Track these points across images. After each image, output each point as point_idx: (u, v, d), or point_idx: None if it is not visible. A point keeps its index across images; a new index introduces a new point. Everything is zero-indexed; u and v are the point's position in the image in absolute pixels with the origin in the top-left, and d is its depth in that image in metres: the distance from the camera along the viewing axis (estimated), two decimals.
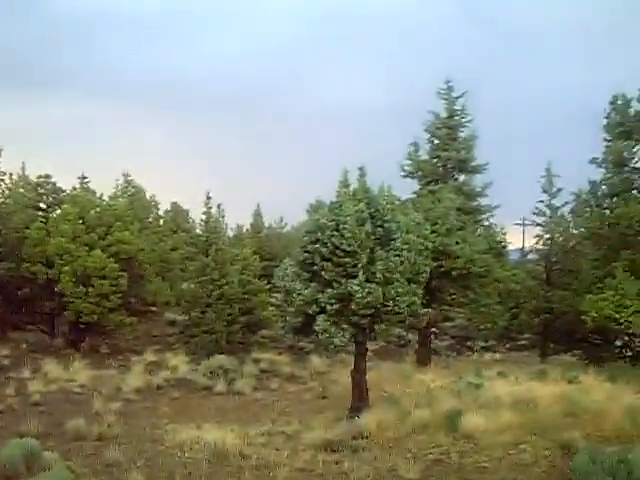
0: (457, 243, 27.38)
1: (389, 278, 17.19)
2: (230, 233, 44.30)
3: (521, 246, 41.52)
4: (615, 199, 28.30)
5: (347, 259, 17.10)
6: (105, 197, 36.21)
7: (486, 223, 32.09)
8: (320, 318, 17.18)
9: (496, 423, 14.80)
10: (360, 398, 18.52)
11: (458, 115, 31.39)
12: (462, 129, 31.50)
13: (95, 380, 23.66)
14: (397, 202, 20.70)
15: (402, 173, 30.96)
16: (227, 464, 13.42)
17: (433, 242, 23.96)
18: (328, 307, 17.14)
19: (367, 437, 15.17)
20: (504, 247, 32.53)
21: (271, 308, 32.62)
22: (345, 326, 17.33)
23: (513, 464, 13.02)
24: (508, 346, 39.98)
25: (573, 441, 13.65)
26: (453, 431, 14.64)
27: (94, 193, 35.30)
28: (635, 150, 27.73)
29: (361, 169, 19.08)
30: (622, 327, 23.89)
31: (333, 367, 26.79)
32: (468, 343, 42.01)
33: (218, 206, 31.85)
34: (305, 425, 17.20)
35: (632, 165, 27.85)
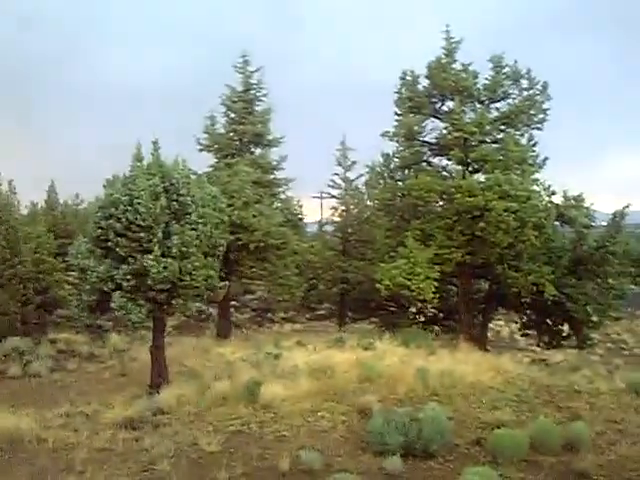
0: (254, 216, 27.47)
1: (185, 252, 16.99)
2: (24, 211, 42.14)
3: (319, 218, 42.33)
4: (407, 171, 29.31)
5: (142, 234, 16.76)
6: None
7: (283, 196, 32.37)
8: (116, 295, 16.80)
9: (295, 392, 14.98)
10: (160, 374, 18.31)
11: (254, 89, 31.37)
12: (258, 103, 31.53)
13: None
14: (193, 176, 20.38)
15: (199, 147, 30.62)
16: (22, 450, 12.81)
17: (230, 215, 23.94)
18: (124, 283, 16.80)
19: (167, 413, 14.92)
20: (301, 219, 32.99)
21: (68, 287, 31.45)
22: (142, 302, 17.04)
23: (312, 431, 13.24)
24: (308, 316, 40.81)
25: (369, 405, 14.09)
26: (253, 402, 14.65)
27: None
28: (424, 124, 28.74)
29: (155, 143, 18.65)
30: (414, 294, 24.81)
31: (133, 344, 26.19)
32: (269, 315, 42.48)
33: (9, 183, 30.15)
34: (104, 404, 16.67)
35: (421, 139, 28.85)
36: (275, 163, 31.68)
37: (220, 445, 12.38)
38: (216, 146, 30.63)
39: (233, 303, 35.61)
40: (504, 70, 28.01)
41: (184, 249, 16.99)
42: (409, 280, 24.49)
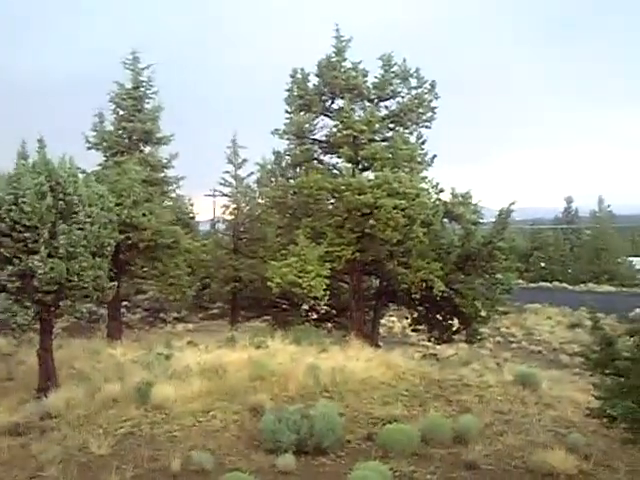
0: (144, 215, 27.04)
1: (72, 252, 16.64)
2: None
3: (212, 217, 42.00)
4: (298, 169, 29.41)
5: (27, 234, 16.37)
6: None
7: (173, 194, 32.03)
8: (1, 297, 16.37)
9: (186, 392, 14.87)
10: (48, 377, 17.91)
11: (144, 86, 30.91)
12: (148, 100, 31.08)
13: None
14: (81, 174, 19.95)
15: (87, 145, 29.95)
16: None
17: (119, 214, 23.53)
18: (9, 285, 16.38)
19: (56, 417, 14.58)
20: (192, 218, 32.73)
21: None
22: (28, 304, 16.63)
23: (204, 431, 13.17)
24: (201, 316, 40.42)
25: (261, 403, 14.12)
26: (144, 403, 14.47)
27: None
28: (315, 122, 28.88)
29: (40, 141, 18.21)
30: (305, 291, 24.91)
31: (20, 347, 25.44)
32: (161, 315, 41.96)
33: None
34: None
35: (312, 136, 28.98)
36: (165, 161, 31.29)
37: (110, 448, 12.20)
38: (105, 144, 30.01)
39: (125, 303, 35.03)
40: (393, 69, 28.36)
41: (71, 249, 16.64)
42: (300, 278, 24.57)
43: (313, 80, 28.85)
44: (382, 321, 35.98)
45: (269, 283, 25.48)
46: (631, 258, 77.92)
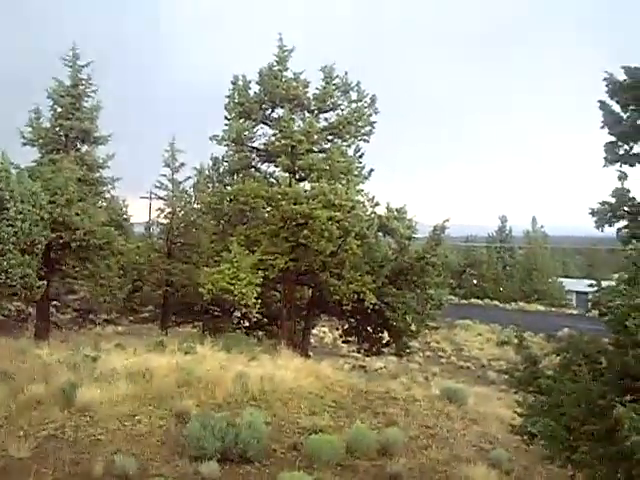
0: (77, 214, 26.66)
1: (1, 250, 16.33)
2: None
3: (148, 219, 41.53)
4: (235, 176, 29.38)
5: None
6: None
7: (108, 195, 31.64)
8: None
9: (112, 395, 14.69)
10: None
11: (83, 84, 30.49)
12: (87, 99, 30.65)
13: None
14: (14, 170, 19.61)
15: (22, 140, 29.39)
16: None
17: (51, 213, 23.18)
18: None
19: None
20: (126, 220, 32.35)
21: None
22: None
23: (128, 435, 13.03)
24: (131, 319, 39.87)
25: (187, 409, 14.04)
26: (69, 405, 14.24)
27: None
28: (255, 130, 28.89)
29: None
30: (236, 299, 24.86)
31: None
32: (91, 316, 41.29)
33: None
34: None
35: (250, 144, 28.99)
36: (101, 161, 30.90)
37: (30, 451, 11.94)
38: (41, 141, 29.47)
39: (54, 303, 34.34)
40: (334, 81, 28.58)
41: (0, 246, 16.35)
42: (232, 285, 24.51)
43: (254, 88, 28.93)
44: (314, 331, 36.12)
45: (201, 289, 25.38)
46: (561, 279, 79.46)
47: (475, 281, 79.80)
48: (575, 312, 57.04)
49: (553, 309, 64.94)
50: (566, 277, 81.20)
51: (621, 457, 8.24)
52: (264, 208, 27.81)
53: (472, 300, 70.73)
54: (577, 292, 71.70)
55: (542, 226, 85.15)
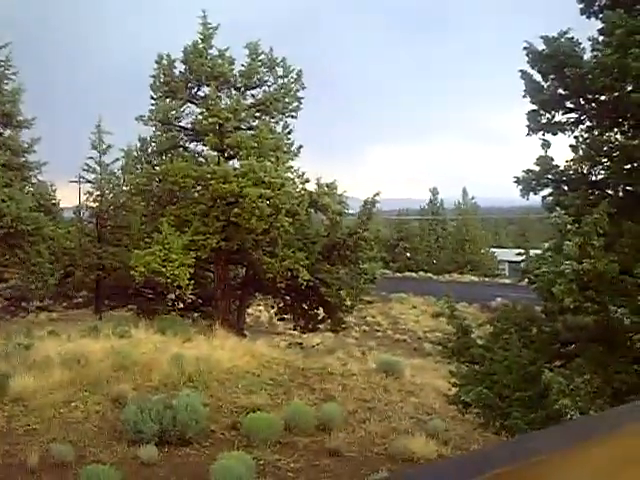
0: (3, 201, 26.13)
1: None
2: None
3: (78, 204, 40.92)
4: (163, 156, 29.04)
5: None
6: None
7: (35, 180, 31.04)
8: None
9: (47, 383, 14.53)
10: None
11: (2, 66, 29.74)
12: (7, 82, 29.91)
13: None
14: None
15: None
16: None
17: None
18: None
19: None
20: (55, 204, 31.85)
21: None
22: None
23: (64, 423, 12.92)
24: (65, 305, 39.34)
25: (124, 393, 13.96)
26: (1, 395, 14.03)
27: None
28: (182, 109, 28.57)
29: None
30: (169, 280, 24.68)
31: None
32: (23, 304, 40.56)
33: None
34: None
35: (178, 124, 28.68)
36: (26, 146, 30.27)
37: None
38: None
39: None
40: (260, 57, 28.41)
41: None
42: (164, 267, 24.32)
43: (180, 67, 28.57)
44: (249, 310, 36.02)
45: (132, 272, 25.13)
46: (494, 249, 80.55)
47: (408, 254, 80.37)
48: (508, 281, 57.85)
49: (486, 279, 65.80)
50: (499, 247, 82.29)
51: (551, 420, 8.48)
52: (194, 188, 27.53)
53: (406, 273, 71.10)
54: (509, 262, 72.70)
55: (473, 197, 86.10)
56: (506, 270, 76.66)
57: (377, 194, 28.45)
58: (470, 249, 77.37)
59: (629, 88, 10.29)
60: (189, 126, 28.64)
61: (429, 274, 70.41)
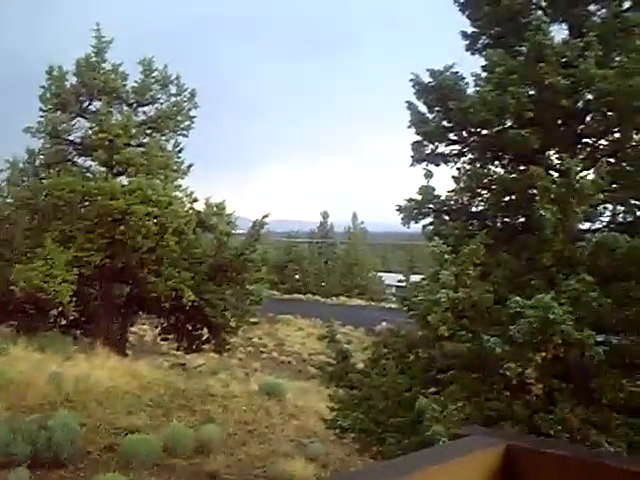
0: None
1: None
2: None
3: None
4: (51, 170, 28.44)
5: None
6: None
7: None
8: None
9: None
10: None
11: None
12: None
13: None
14: None
15: None
16: None
17: None
18: None
19: None
20: None
21: None
22: None
23: None
24: None
25: None
26: None
27: None
28: (72, 123, 28.10)
29: None
30: (51, 297, 24.14)
31: None
32: None
33: None
34: None
35: (67, 137, 28.17)
36: None
37: None
38: None
39: None
40: (153, 74, 28.25)
41: None
42: (46, 282, 23.78)
43: (71, 79, 28.09)
44: (134, 329, 35.50)
45: (12, 287, 24.46)
46: (381, 274, 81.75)
47: (297, 276, 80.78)
48: (394, 306, 58.79)
49: (373, 303, 66.71)
50: (387, 272, 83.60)
51: (424, 447, 8.69)
52: (80, 203, 27.05)
53: (294, 295, 71.30)
54: (396, 286, 74.01)
55: (362, 222, 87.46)
56: (393, 295, 78.02)
57: (266, 215, 28.55)
58: (358, 273, 78.40)
59: (508, 124, 10.75)
60: (78, 140, 28.14)
61: (317, 297, 70.76)
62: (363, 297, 72.53)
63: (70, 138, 28.29)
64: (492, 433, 1.91)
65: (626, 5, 10.62)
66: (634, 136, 10.23)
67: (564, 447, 1.81)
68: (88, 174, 28.20)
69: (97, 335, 26.52)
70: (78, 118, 28.24)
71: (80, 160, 28.87)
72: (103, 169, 27.34)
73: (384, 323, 37.81)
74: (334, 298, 70.32)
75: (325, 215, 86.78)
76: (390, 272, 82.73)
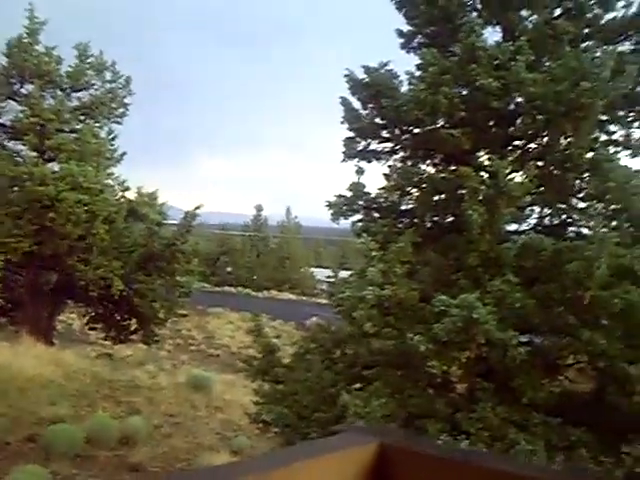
0: None
1: None
2: None
3: None
4: None
5: None
6: None
7: None
8: None
9: None
10: None
11: None
12: None
13: None
14: None
15: None
16: None
17: None
18: None
19: None
20: None
21: None
22: None
23: None
24: None
25: None
26: None
27: None
28: (2, 105, 27.48)
29: None
30: None
31: None
32: None
33: None
34: None
35: None
36: None
37: None
38: None
39: None
40: (89, 59, 27.80)
41: None
42: None
43: (2, 60, 27.45)
44: (62, 318, 34.93)
45: None
46: (313, 269, 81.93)
47: (229, 269, 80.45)
48: (325, 301, 58.95)
49: (305, 298, 66.89)
50: (319, 267, 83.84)
51: None
52: (9, 188, 26.47)
53: (225, 288, 70.96)
54: (327, 282, 74.05)
55: (296, 217, 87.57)
56: (323, 290, 78.24)
57: (198, 207, 28.35)
58: (290, 267, 78.46)
59: (441, 123, 10.84)
60: (9, 124, 27.52)
61: (248, 290, 70.61)
62: (295, 291, 72.67)
63: (1, 121, 27.65)
64: (367, 430, 2.00)
65: (557, 13, 10.83)
66: (561, 140, 10.41)
67: (435, 447, 1.89)
68: (18, 158, 27.57)
69: (23, 323, 26.05)
70: (8, 100, 27.60)
71: (10, 144, 28.23)
72: (34, 154, 26.75)
73: (314, 318, 37.96)
74: (265, 292, 70.28)
75: (259, 208, 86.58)
76: (322, 267, 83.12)
